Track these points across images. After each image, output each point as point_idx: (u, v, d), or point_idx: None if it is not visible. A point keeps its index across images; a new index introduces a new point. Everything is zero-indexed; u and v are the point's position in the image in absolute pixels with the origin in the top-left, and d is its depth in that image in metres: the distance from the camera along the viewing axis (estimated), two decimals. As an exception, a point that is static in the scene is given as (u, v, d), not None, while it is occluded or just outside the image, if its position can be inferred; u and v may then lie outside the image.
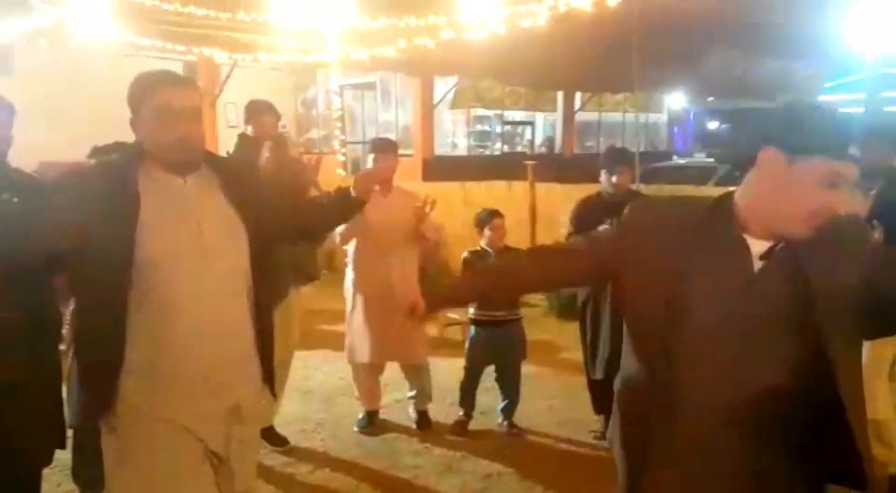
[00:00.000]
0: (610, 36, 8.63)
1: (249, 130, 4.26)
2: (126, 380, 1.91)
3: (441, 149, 13.60)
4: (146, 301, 1.89)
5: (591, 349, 4.12)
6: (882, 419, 3.41)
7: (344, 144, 11.45)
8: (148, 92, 1.93)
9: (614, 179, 4.02)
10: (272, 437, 3.97)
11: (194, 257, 1.93)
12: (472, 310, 4.32)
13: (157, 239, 1.89)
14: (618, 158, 4.17)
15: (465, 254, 4.27)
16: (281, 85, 12.20)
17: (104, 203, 1.85)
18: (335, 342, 4.85)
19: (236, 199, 2.03)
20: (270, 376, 2.21)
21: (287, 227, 2.31)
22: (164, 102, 1.92)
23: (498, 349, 4.27)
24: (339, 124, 10.87)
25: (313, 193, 3.71)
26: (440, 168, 11.46)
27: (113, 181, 1.92)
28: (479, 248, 4.28)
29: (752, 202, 1.51)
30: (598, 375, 4.04)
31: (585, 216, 4.07)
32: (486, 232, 4.24)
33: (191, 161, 1.98)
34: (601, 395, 4.17)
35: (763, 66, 14.75)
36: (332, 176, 9.03)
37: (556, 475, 3.68)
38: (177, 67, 10.28)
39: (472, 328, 4.34)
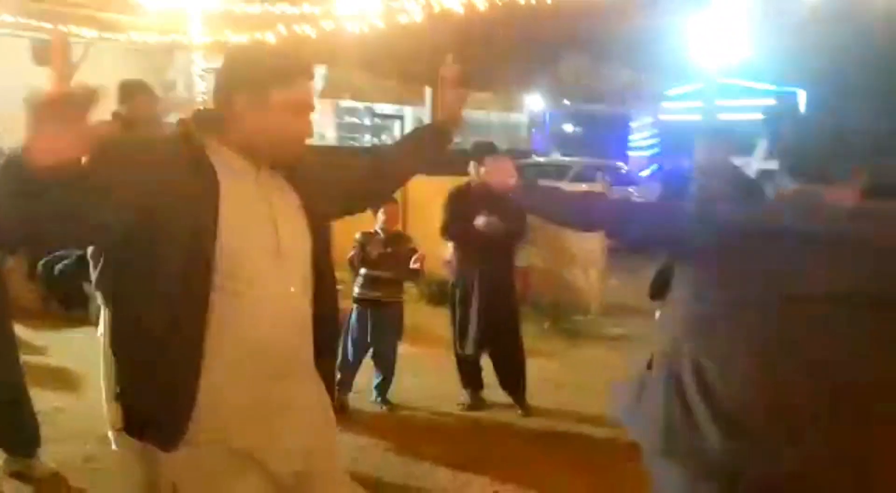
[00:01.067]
0: (478, 36, 9.06)
1: (123, 109, 4.19)
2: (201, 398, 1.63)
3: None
4: (219, 304, 1.63)
5: (460, 329, 4.44)
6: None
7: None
8: (282, 79, 1.68)
9: (483, 170, 4.35)
10: None
11: (270, 254, 1.70)
12: (356, 289, 4.49)
13: (236, 232, 1.65)
14: (486, 150, 4.51)
15: (357, 236, 4.43)
16: (138, 66, 11.72)
17: (179, 185, 1.58)
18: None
19: (304, 192, 1.82)
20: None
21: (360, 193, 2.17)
22: (302, 96, 1.71)
23: (377, 329, 4.44)
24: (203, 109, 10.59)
25: None
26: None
27: (184, 161, 1.64)
28: (372, 230, 4.45)
29: None
30: (469, 351, 4.38)
31: (458, 206, 4.39)
32: (380, 215, 4.43)
33: (296, 159, 1.79)
34: (469, 370, 4.53)
35: (610, 73, 15.93)
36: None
37: (426, 443, 3.94)
38: (24, 46, 9.68)
39: (354, 308, 4.48)
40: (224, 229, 1.61)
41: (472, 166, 4.41)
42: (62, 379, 4.72)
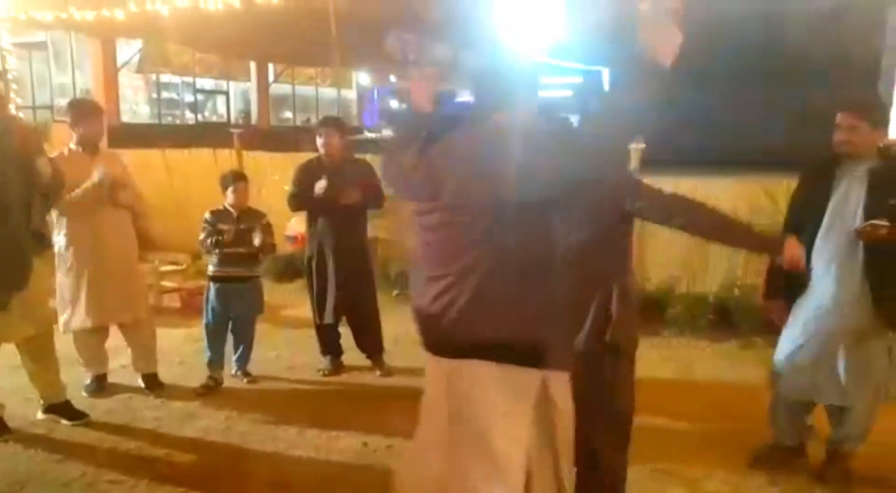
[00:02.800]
0: (305, 12, 9.03)
1: None
2: None
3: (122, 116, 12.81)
4: None
5: (318, 298, 4.60)
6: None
7: (19, 108, 10.30)
8: None
9: (331, 143, 4.51)
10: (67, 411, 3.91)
11: None
12: (210, 267, 4.49)
13: None
14: (332, 125, 4.67)
15: (207, 215, 4.40)
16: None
17: None
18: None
19: None
20: None
21: None
22: None
23: (238, 305, 4.49)
24: (15, 86, 9.76)
25: (42, 161, 3.63)
26: (128, 136, 10.86)
27: None
28: (221, 207, 4.45)
29: None
30: (328, 319, 4.56)
31: (305, 177, 4.53)
32: (230, 193, 4.43)
33: None
34: (328, 337, 4.71)
35: (434, 50, 16.37)
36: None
37: (289, 408, 4.10)
38: None
39: (212, 286, 4.49)
40: None
41: (318, 140, 4.54)
42: None
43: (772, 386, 3.35)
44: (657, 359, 5.01)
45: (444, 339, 2.09)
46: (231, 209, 4.44)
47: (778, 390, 3.32)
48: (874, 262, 2.98)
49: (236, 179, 4.51)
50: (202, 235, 4.38)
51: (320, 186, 4.37)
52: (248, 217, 4.47)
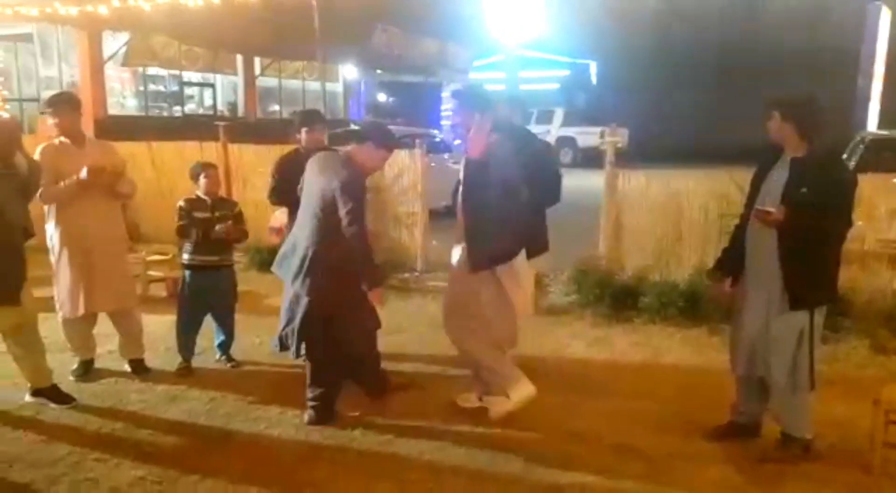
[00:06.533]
0: (292, 7, 9.14)
1: None
2: None
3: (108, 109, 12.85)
4: None
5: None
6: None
7: (5, 100, 10.35)
8: None
9: (311, 136, 4.64)
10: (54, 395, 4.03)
11: None
12: (185, 256, 4.60)
13: None
14: (315, 118, 4.79)
15: (181, 203, 4.51)
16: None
17: None
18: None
19: None
20: None
21: None
22: None
23: (213, 292, 4.60)
24: (1, 79, 9.84)
25: (19, 155, 3.74)
26: (114, 129, 10.93)
27: None
28: (194, 196, 4.55)
29: None
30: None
31: (286, 169, 4.63)
32: (202, 180, 4.54)
33: None
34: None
35: (420, 45, 16.49)
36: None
37: (271, 390, 4.24)
38: None
39: (187, 274, 4.60)
40: None
41: (302, 133, 4.65)
42: None
43: (731, 365, 3.56)
44: (628, 344, 5.19)
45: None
46: (205, 197, 4.54)
47: (732, 367, 3.53)
48: (785, 244, 3.19)
49: (206, 166, 4.60)
50: (180, 223, 4.46)
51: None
52: (222, 205, 4.59)
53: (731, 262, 3.49)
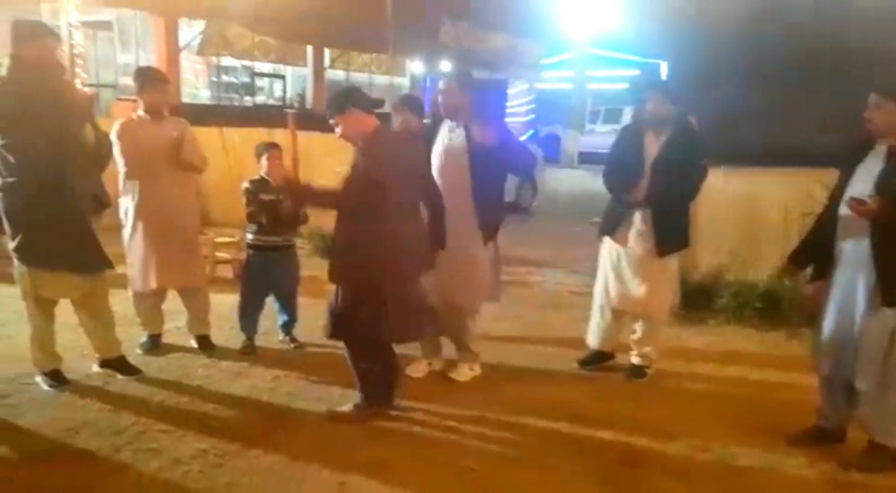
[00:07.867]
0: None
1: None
2: None
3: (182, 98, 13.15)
4: None
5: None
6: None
7: (85, 83, 10.68)
8: None
9: (400, 120, 4.50)
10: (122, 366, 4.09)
11: None
12: (249, 236, 4.60)
13: None
14: (412, 103, 4.57)
15: (246, 184, 4.50)
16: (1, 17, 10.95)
17: None
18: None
19: None
20: None
21: None
22: None
23: (276, 273, 4.60)
24: (80, 62, 10.12)
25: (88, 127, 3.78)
26: (187, 117, 11.14)
27: None
28: (258, 177, 4.55)
29: None
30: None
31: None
32: (263, 161, 4.51)
33: None
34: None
35: (489, 40, 16.37)
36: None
37: (333, 371, 4.14)
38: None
39: (251, 253, 4.60)
40: None
41: (394, 118, 4.53)
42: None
43: (814, 367, 3.34)
44: (702, 345, 4.97)
45: None
46: (267, 178, 4.50)
47: (816, 369, 3.32)
48: (879, 237, 2.96)
49: (270, 146, 4.55)
50: (249, 208, 4.44)
51: None
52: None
53: (807, 255, 3.28)
